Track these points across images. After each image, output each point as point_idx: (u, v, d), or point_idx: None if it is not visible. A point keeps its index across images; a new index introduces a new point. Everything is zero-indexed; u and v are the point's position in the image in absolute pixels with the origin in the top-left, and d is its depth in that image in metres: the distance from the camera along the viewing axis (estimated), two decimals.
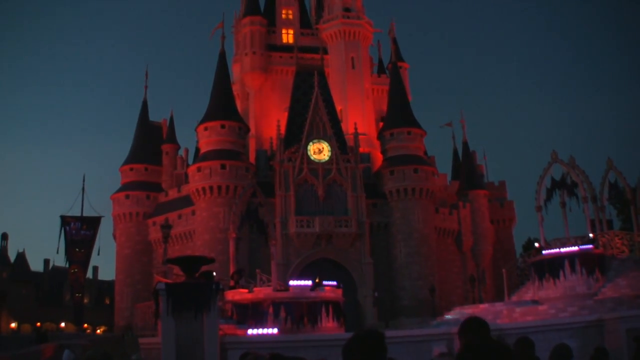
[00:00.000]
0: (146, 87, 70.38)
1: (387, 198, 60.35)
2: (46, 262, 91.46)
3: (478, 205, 67.52)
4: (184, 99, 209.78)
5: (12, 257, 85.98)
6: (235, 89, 68.04)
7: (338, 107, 64.08)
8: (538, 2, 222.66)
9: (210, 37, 67.22)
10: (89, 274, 67.70)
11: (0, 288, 73.24)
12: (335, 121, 60.64)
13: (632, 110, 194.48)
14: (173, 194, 63.56)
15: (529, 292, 35.73)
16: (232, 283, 34.88)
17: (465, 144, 72.86)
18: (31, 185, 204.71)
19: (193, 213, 58.92)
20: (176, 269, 30.82)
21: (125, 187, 64.94)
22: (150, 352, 24.92)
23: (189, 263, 24.27)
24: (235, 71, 72.27)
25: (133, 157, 66.51)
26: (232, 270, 36.30)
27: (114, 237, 65.59)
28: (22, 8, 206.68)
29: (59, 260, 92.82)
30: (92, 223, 51.23)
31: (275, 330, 27.88)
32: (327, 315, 32.90)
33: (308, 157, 57.33)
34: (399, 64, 70.66)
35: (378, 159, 64.74)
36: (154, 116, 71.02)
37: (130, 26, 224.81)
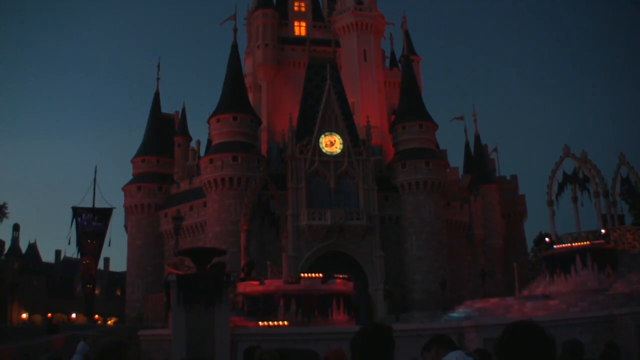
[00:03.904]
0: (158, 79, 70.66)
1: (399, 191, 60.19)
2: (57, 253, 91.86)
3: (489, 199, 67.43)
4: (195, 91, 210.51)
5: (23, 248, 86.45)
6: (248, 82, 67.84)
7: (350, 100, 63.84)
8: None
9: (221, 24, 66.89)
10: (100, 265, 67.74)
11: (12, 279, 73.62)
12: (347, 114, 60.52)
13: None
14: (184, 185, 63.66)
15: (539, 287, 35.61)
16: (242, 275, 34.92)
17: (477, 138, 72.71)
18: (43, 177, 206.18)
19: (204, 205, 59.02)
20: (187, 261, 30.88)
21: (136, 179, 65.07)
22: (160, 344, 24.99)
23: (200, 255, 24.38)
24: (247, 64, 72.09)
25: (145, 149, 66.63)
26: (243, 262, 36.34)
27: (126, 228, 65.78)
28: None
29: (71, 251, 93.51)
30: (104, 214, 51.34)
31: (286, 323, 27.88)
32: (338, 308, 32.78)
33: (320, 150, 57.30)
34: (411, 57, 70.36)
35: (390, 152, 64.55)
36: (166, 108, 71.22)
37: (143, 18, 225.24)
